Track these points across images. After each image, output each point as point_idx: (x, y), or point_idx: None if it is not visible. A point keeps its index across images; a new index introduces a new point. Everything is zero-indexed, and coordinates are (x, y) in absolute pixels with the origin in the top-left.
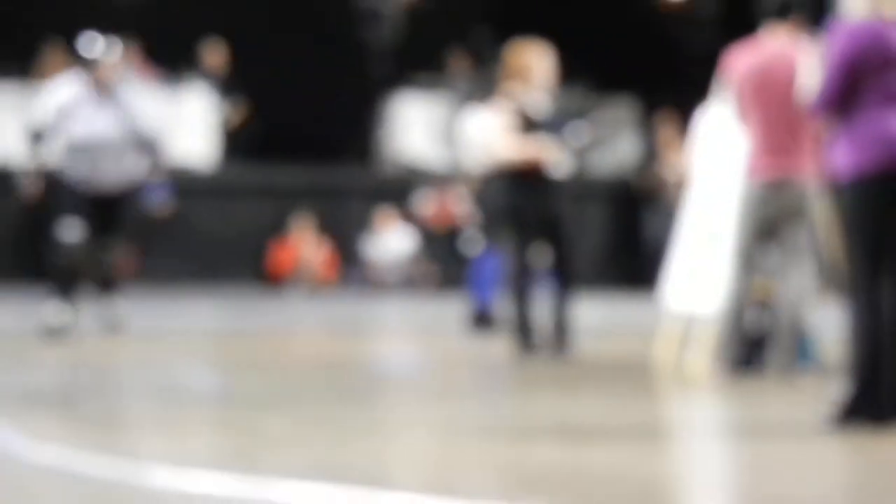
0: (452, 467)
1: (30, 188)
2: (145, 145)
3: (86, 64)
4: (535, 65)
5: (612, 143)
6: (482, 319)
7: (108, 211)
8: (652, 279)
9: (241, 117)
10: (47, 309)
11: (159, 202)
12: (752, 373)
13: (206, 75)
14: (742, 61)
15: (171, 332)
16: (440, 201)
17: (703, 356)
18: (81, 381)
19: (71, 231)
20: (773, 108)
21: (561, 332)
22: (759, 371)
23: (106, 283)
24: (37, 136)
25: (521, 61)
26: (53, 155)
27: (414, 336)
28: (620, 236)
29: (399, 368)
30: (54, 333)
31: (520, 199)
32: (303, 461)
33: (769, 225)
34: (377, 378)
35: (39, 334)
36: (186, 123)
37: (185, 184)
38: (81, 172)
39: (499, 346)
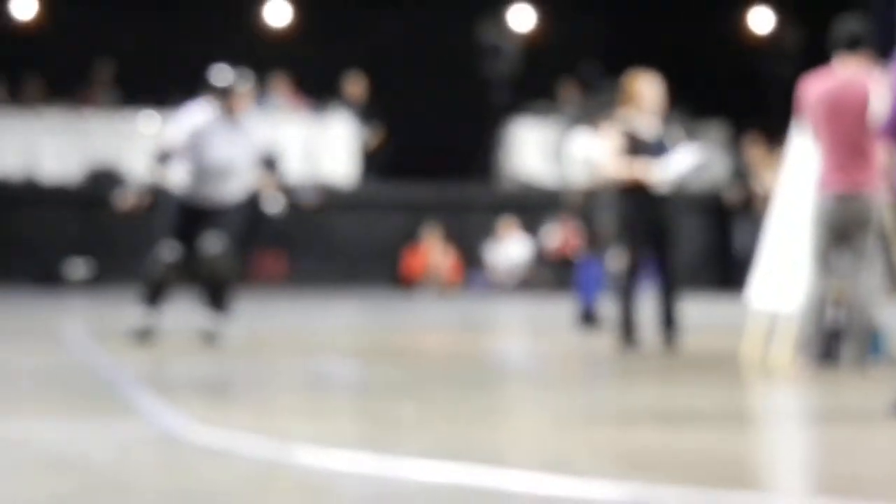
0: (562, 448)
1: (128, 201)
2: (266, 162)
3: (219, 92)
4: (646, 92)
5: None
6: (587, 318)
7: (217, 220)
8: (741, 282)
9: (378, 140)
10: (136, 313)
11: (306, 199)
12: (830, 365)
13: (348, 104)
14: (816, 88)
15: (316, 327)
16: (564, 234)
17: (785, 350)
18: (239, 371)
19: (169, 252)
20: (842, 129)
21: (670, 329)
22: (835, 363)
23: (216, 290)
24: (164, 156)
25: (634, 88)
26: (175, 175)
27: (528, 333)
28: (714, 243)
29: (515, 361)
30: (141, 335)
31: (629, 210)
32: (430, 442)
33: (840, 232)
34: (496, 369)
35: (128, 336)
36: (331, 146)
37: (329, 198)
38: (200, 193)
39: (603, 342)
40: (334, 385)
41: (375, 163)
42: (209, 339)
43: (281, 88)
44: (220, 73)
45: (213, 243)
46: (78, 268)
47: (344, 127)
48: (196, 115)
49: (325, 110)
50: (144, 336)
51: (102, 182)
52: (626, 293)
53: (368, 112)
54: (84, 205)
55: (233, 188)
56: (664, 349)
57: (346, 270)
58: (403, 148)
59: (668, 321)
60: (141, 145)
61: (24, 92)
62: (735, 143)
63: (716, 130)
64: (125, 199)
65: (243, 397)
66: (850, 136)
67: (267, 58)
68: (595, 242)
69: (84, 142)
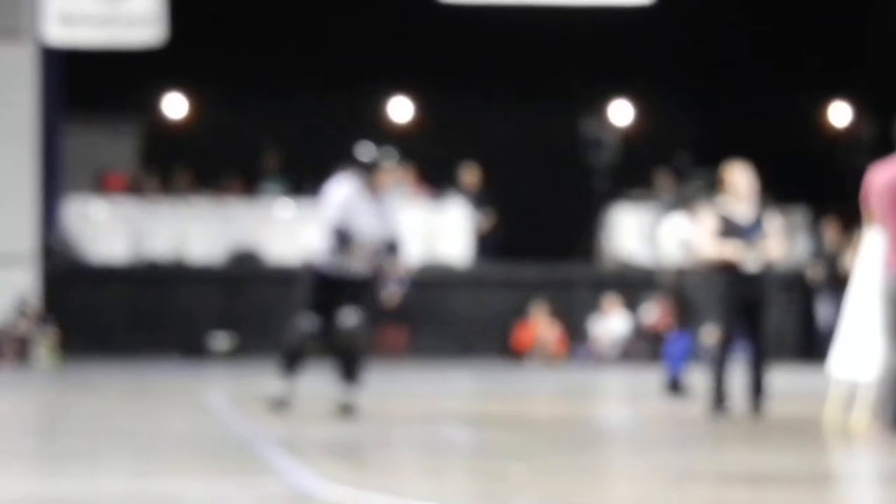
0: None
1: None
2: (395, 244)
3: (365, 168)
4: (739, 180)
5: (790, 243)
6: (674, 387)
7: (353, 292)
8: (824, 353)
9: (490, 224)
10: (274, 382)
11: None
12: None
13: (464, 191)
14: (880, 176)
15: (434, 395)
16: (659, 310)
17: (864, 416)
18: (365, 435)
19: (308, 322)
20: None
21: (758, 396)
22: None
23: (350, 362)
24: (343, 236)
25: (729, 177)
26: (314, 245)
27: (626, 400)
28: (799, 318)
29: (614, 425)
30: (278, 403)
31: (723, 287)
32: (538, 498)
33: None
34: (597, 432)
35: (266, 403)
36: (448, 230)
37: (445, 277)
38: (339, 265)
39: (693, 408)
40: (451, 447)
41: (488, 245)
42: (344, 410)
43: (404, 178)
44: (366, 150)
45: (349, 317)
46: (221, 340)
47: (460, 212)
48: (343, 188)
49: (443, 197)
50: (281, 404)
51: (243, 262)
52: (719, 364)
53: (481, 199)
54: (226, 283)
55: (368, 263)
56: (752, 415)
57: (461, 343)
58: (513, 231)
59: (757, 389)
60: (276, 229)
61: (175, 183)
62: (816, 226)
63: (799, 214)
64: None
65: (369, 458)
66: None
67: (391, 149)
68: (684, 317)
69: (226, 226)
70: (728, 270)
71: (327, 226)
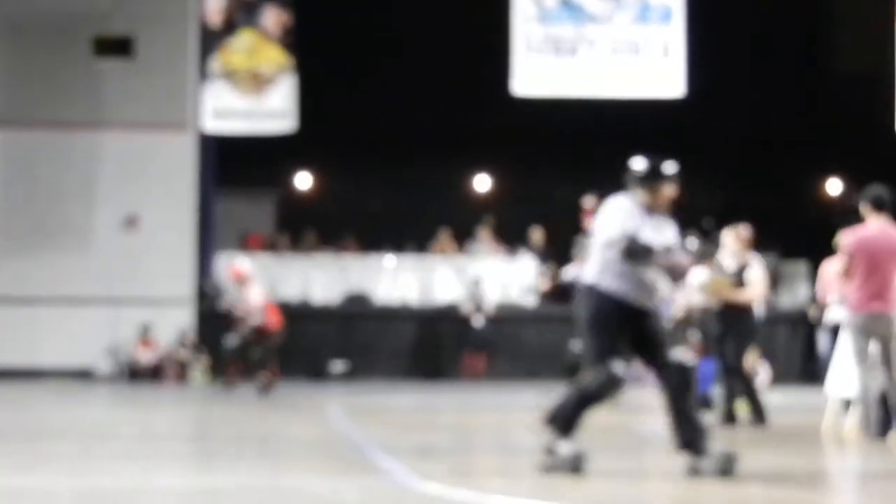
0: (686, 499)
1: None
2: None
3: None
4: (727, 241)
5: (795, 288)
6: (702, 403)
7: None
8: (822, 376)
9: (552, 274)
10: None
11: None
12: (887, 435)
13: (532, 248)
14: (855, 236)
15: (509, 410)
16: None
17: (854, 425)
18: (452, 442)
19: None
20: (873, 267)
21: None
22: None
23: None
24: (641, 251)
25: (726, 240)
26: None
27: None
28: (801, 348)
29: (653, 433)
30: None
31: (733, 324)
32: (594, 492)
33: (873, 339)
34: (645, 439)
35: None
36: (520, 278)
37: (517, 314)
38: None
39: (713, 418)
40: (522, 452)
41: (550, 291)
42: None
43: (485, 236)
44: (644, 161)
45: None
46: (338, 365)
47: (530, 264)
48: (626, 205)
49: (516, 253)
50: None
51: (356, 303)
52: (733, 384)
53: (545, 255)
54: (342, 319)
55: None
56: (755, 426)
57: (530, 368)
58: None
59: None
60: (383, 277)
61: (303, 242)
62: (814, 275)
63: (802, 265)
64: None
65: (454, 460)
66: (878, 272)
67: (475, 214)
68: (706, 347)
69: (343, 275)
70: (736, 310)
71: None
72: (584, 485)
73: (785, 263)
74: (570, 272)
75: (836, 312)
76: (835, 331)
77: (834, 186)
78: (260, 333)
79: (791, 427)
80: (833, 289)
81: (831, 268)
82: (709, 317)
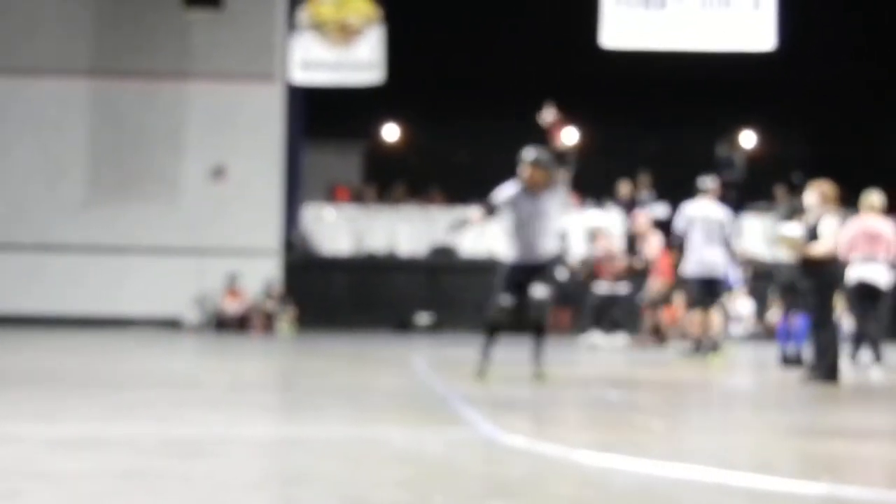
0: (768, 454)
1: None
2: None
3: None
4: (807, 199)
5: None
6: (788, 360)
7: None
8: None
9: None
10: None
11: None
12: None
13: (619, 201)
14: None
15: (593, 365)
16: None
17: None
18: (537, 395)
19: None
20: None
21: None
22: None
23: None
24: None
25: (808, 196)
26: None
27: (748, 369)
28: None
29: (739, 390)
30: (478, 371)
31: (812, 278)
32: (673, 447)
33: None
34: (725, 395)
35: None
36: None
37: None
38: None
39: (798, 376)
40: (605, 405)
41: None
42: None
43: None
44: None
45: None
46: (423, 318)
47: (616, 217)
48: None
49: (603, 206)
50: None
51: (441, 256)
52: (825, 340)
53: (632, 207)
54: (428, 272)
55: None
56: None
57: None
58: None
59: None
60: (467, 229)
61: (391, 194)
62: None
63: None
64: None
65: (539, 413)
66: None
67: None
68: (795, 303)
69: (429, 227)
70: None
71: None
72: (670, 438)
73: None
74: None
75: None
76: None
77: None
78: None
79: (872, 383)
80: None
81: None
82: (791, 271)
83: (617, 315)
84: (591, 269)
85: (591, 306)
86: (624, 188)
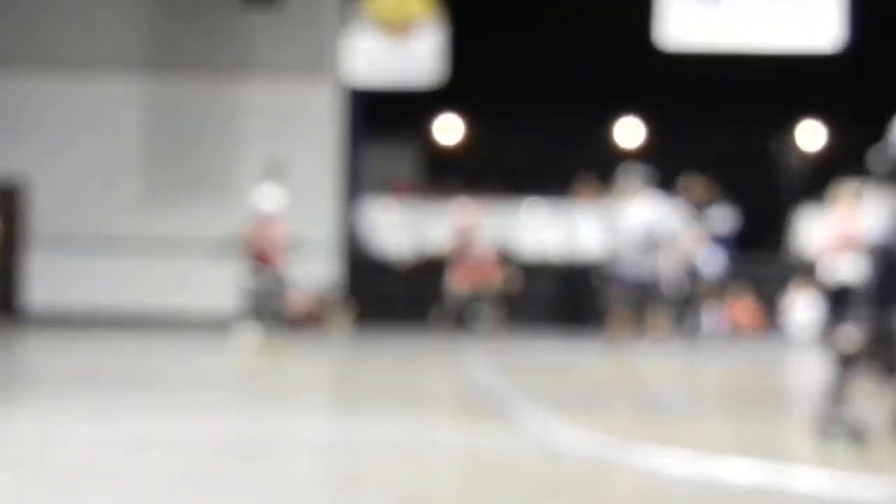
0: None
1: None
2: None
3: None
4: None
5: None
6: None
7: None
8: None
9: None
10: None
11: None
12: None
13: (684, 199)
14: None
15: (650, 365)
16: None
17: None
18: (593, 394)
19: None
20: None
21: None
22: None
23: None
24: None
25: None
26: None
27: (797, 370)
28: None
29: (789, 391)
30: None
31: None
32: (726, 442)
33: None
34: (778, 392)
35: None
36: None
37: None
38: None
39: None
40: (660, 406)
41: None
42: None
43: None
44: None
45: None
46: (481, 317)
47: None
48: None
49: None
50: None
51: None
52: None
53: (701, 206)
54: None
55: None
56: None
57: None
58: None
59: None
60: (526, 227)
61: (447, 190)
62: None
63: None
64: None
65: (594, 412)
66: None
67: (615, 165)
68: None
69: (487, 223)
70: None
71: None
72: (723, 431)
73: None
74: None
75: None
76: None
77: None
78: None
79: None
80: None
81: None
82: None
83: None
84: None
85: None
86: (687, 186)
